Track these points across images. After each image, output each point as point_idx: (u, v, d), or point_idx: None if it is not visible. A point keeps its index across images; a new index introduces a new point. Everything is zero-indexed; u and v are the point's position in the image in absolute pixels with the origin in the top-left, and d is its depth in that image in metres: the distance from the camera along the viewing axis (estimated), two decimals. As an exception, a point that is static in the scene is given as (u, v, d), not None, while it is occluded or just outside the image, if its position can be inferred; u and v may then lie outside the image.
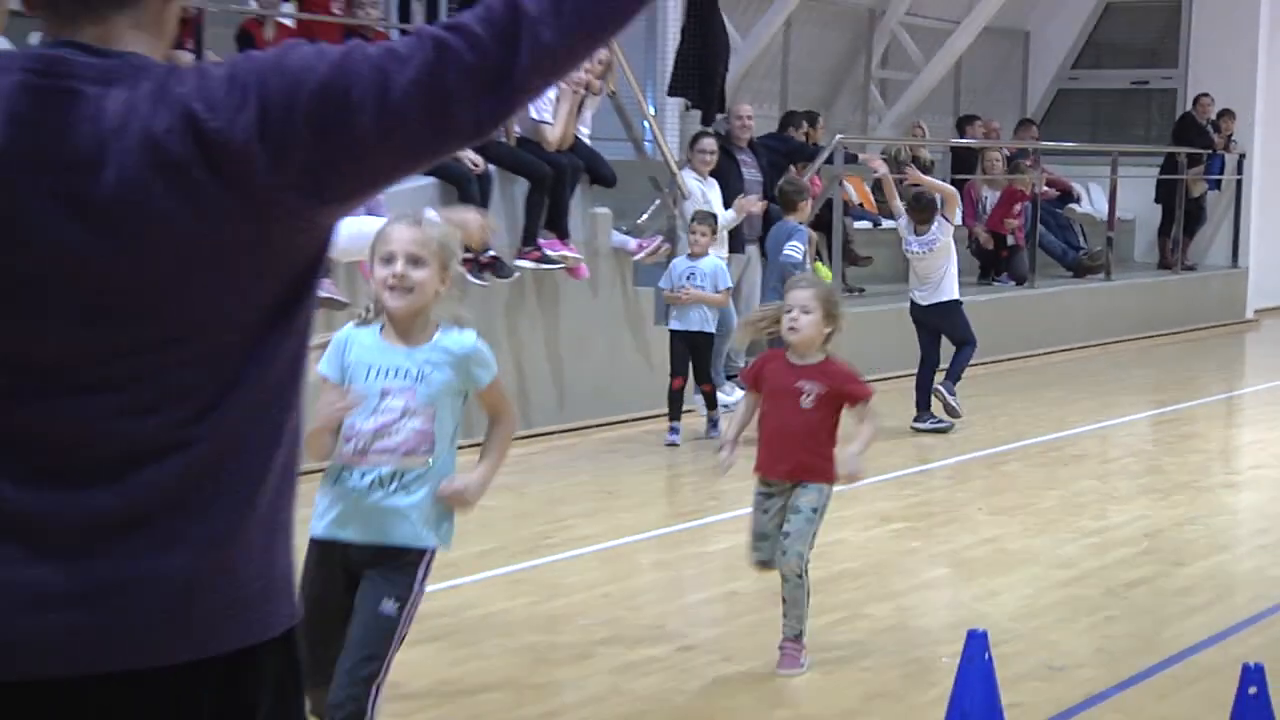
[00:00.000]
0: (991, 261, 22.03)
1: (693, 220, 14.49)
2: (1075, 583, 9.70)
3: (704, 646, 8.33)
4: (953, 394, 15.09)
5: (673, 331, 14.19)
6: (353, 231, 7.84)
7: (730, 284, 14.64)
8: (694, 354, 14.13)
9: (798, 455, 7.77)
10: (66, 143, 2.62)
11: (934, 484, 13.04)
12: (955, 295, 15.18)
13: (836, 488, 8.06)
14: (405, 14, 15.58)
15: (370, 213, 8.44)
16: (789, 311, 7.76)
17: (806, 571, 7.76)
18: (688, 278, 13.95)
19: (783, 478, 7.81)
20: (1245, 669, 6.10)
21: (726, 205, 15.40)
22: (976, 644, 6.37)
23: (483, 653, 8.15)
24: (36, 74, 2.67)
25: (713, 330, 14.17)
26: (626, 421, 14.80)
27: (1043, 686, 7.61)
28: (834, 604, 9.15)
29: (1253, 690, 6.02)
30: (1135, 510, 11.88)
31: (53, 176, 2.62)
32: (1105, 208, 24.22)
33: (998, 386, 18.04)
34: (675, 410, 14.28)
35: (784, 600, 7.79)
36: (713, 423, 14.33)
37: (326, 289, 12.41)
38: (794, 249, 14.35)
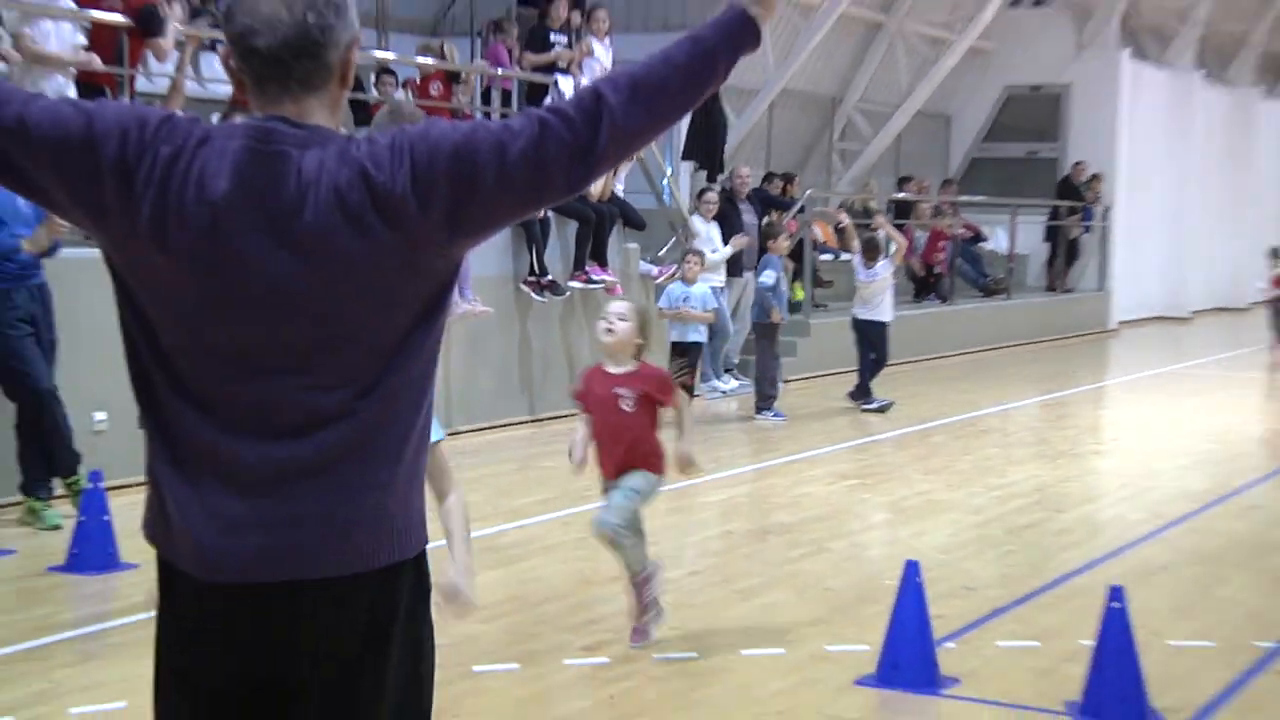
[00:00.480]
0: (923, 285, 21.99)
1: (687, 253, 14.53)
2: (983, 525, 9.78)
3: (707, 572, 8.42)
4: (863, 401, 15.21)
5: (673, 342, 13.99)
6: None
7: (716, 305, 14.65)
8: (685, 356, 13.71)
9: (625, 454, 6.84)
10: (277, 192, 2.78)
11: (879, 451, 13.02)
12: (888, 318, 15.28)
13: (684, 482, 7.66)
14: (486, 97, 15.50)
15: None
16: (606, 318, 6.95)
17: (621, 535, 6.85)
18: (684, 300, 13.85)
19: (614, 475, 6.88)
20: (1110, 589, 6.12)
21: (726, 242, 15.41)
22: (911, 571, 6.42)
23: (542, 575, 8.25)
24: (256, 140, 2.82)
25: (703, 340, 14.19)
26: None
27: (960, 603, 7.64)
28: (804, 540, 9.21)
29: (1116, 605, 6.04)
30: (1028, 471, 11.92)
31: (267, 217, 2.77)
32: (1007, 246, 24.24)
33: (926, 378, 18.05)
34: None
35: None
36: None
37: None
38: (768, 275, 14.37)
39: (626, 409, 6.80)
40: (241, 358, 2.84)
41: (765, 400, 14.37)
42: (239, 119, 2.89)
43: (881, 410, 14.85)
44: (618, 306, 7.04)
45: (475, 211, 2.87)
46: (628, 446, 6.84)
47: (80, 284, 9.43)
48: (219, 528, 2.84)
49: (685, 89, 2.92)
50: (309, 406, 2.86)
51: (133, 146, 2.81)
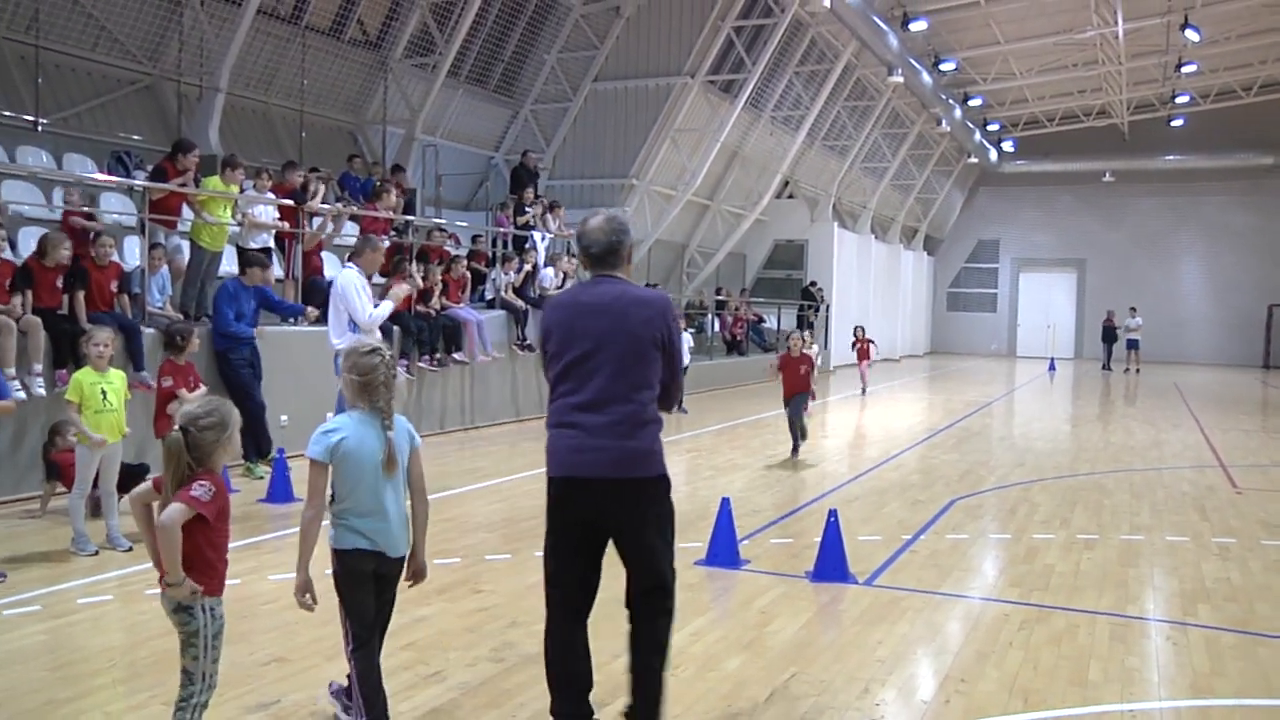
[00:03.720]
0: (731, 345, 22.00)
1: None
2: (763, 476, 9.67)
3: None
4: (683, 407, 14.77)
5: None
6: (379, 313, 7.30)
7: None
8: None
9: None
10: (623, 311, 3.45)
11: (706, 438, 12.84)
12: (687, 362, 14.87)
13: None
14: (493, 242, 15.42)
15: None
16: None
17: None
18: None
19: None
20: (829, 510, 6.13)
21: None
22: (725, 502, 6.41)
23: (523, 505, 7.97)
24: (606, 283, 3.53)
25: None
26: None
27: (750, 519, 7.56)
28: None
29: (831, 519, 6.00)
30: (786, 447, 11.59)
31: (617, 325, 3.43)
32: (776, 325, 24.37)
33: (732, 397, 18.04)
34: None
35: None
36: None
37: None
38: None
39: None
40: (590, 380, 3.46)
41: None
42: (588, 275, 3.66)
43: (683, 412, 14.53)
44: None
45: (670, 359, 3.53)
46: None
47: (275, 348, 9.28)
48: (579, 451, 3.37)
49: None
50: (618, 398, 3.40)
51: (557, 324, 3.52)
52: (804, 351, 11.10)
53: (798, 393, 10.89)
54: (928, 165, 31.70)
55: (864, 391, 19.04)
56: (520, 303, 13.49)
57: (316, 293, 10.89)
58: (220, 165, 10.04)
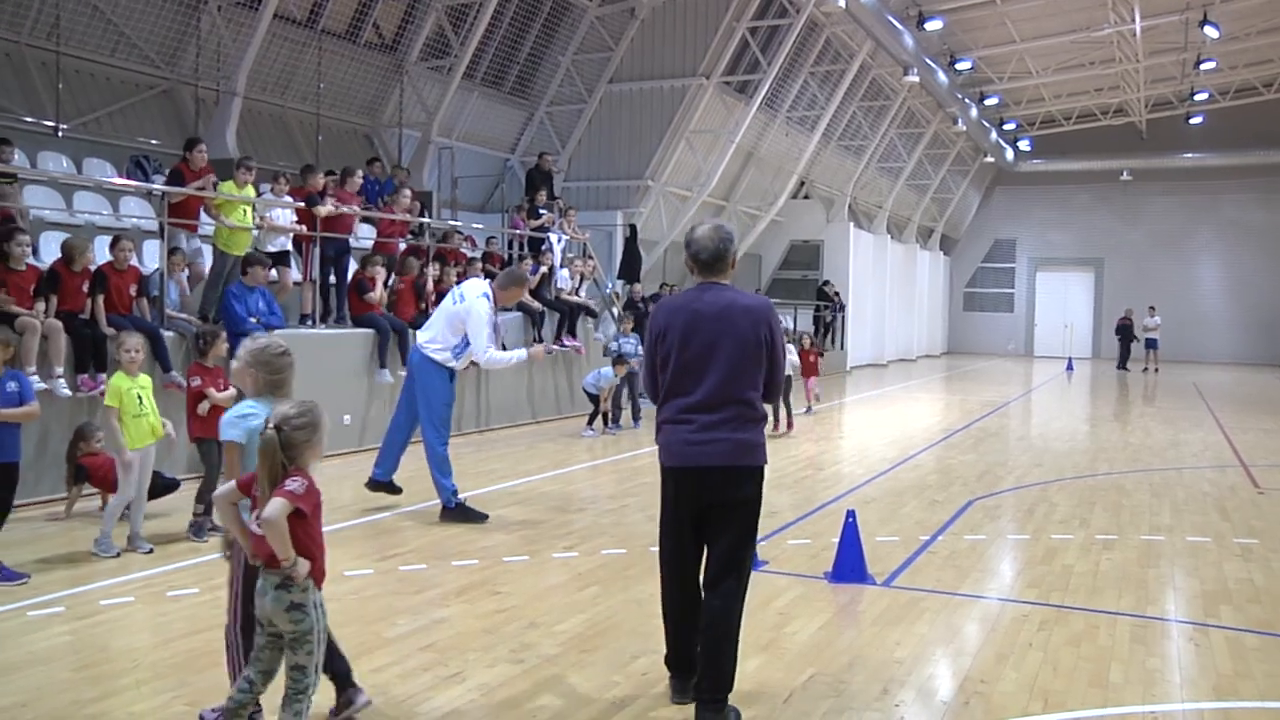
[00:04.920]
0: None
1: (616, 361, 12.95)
2: (780, 478, 9.51)
3: (632, 504, 8.19)
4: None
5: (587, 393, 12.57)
6: (500, 357, 7.20)
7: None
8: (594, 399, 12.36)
9: None
10: (732, 319, 3.82)
11: None
12: None
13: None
14: (510, 244, 15.38)
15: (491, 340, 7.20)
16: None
17: None
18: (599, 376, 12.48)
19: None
20: (847, 511, 6.11)
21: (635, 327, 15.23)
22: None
23: (540, 507, 8.00)
24: (715, 291, 3.90)
25: (594, 390, 12.44)
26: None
27: (767, 520, 7.39)
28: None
29: (849, 520, 6.01)
30: (804, 448, 11.67)
31: (727, 331, 3.81)
32: (793, 325, 24.18)
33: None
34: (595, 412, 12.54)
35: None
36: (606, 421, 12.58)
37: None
38: (627, 344, 12.89)
39: None
40: (700, 382, 3.86)
41: (635, 414, 13.27)
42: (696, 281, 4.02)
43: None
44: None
45: (774, 358, 3.89)
46: None
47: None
48: (688, 444, 3.79)
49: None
50: (727, 398, 3.79)
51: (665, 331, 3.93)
52: None
53: None
54: (944, 165, 31.57)
55: (809, 410, 15.24)
56: (536, 304, 13.51)
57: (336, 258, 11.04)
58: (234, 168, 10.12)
